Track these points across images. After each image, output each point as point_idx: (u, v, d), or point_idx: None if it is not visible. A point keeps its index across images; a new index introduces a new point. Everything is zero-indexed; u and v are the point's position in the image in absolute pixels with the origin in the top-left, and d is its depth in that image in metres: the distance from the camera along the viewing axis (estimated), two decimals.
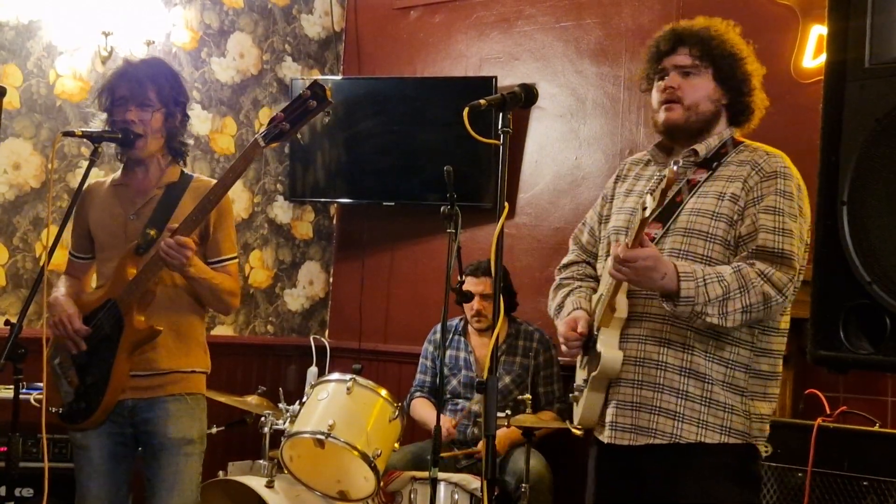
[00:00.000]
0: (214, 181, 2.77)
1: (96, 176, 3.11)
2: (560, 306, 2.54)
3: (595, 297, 2.46)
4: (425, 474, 3.21)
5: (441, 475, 3.20)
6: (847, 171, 1.45)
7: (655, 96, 2.45)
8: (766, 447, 2.37)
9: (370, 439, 3.26)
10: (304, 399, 3.51)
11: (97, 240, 2.90)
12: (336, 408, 3.33)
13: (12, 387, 2.62)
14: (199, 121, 4.71)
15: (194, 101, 4.65)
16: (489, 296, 3.99)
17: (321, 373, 4.74)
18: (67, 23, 4.18)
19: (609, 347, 2.30)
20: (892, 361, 1.43)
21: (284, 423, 3.51)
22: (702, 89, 2.38)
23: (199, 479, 2.85)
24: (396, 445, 3.41)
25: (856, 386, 3.59)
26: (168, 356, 2.79)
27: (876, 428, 3.28)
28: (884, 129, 1.42)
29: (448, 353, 4.20)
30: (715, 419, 2.26)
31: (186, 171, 2.95)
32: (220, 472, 3.77)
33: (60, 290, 2.89)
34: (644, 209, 2.11)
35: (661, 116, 2.42)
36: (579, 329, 2.39)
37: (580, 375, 2.47)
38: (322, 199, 5.28)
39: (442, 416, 3.15)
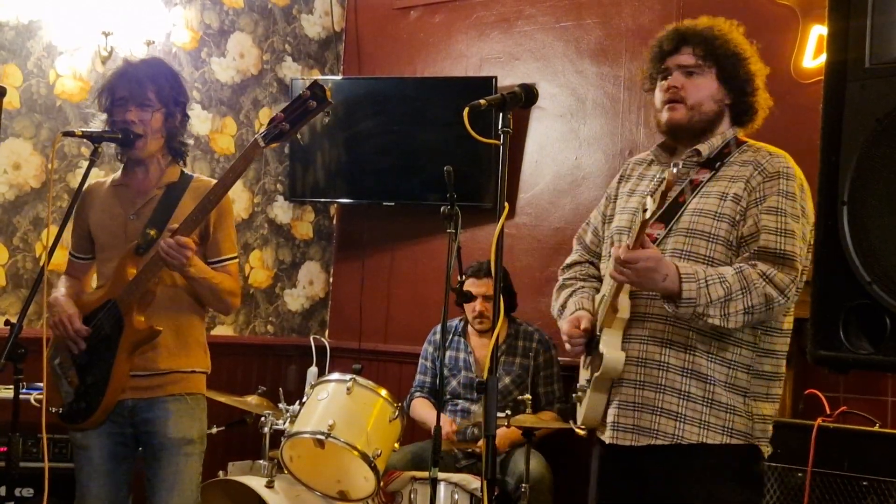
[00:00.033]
0: (214, 181, 2.77)
1: (96, 176, 3.11)
2: (563, 307, 2.54)
3: (598, 298, 2.46)
4: (425, 474, 3.21)
5: (441, 475, 3.20)
6: (847, 171, 1.45)
7: (659, 96, 2.44)
8: (770, 448, 2.36)
9: (370, 439, 3.26)
10: (304, 399, 3.51)
11: (97, 240, 2.90)
12: (336, 408, 3.33)
13: (12, 387, 2.63)
14: (199, 121, 4.71)
15: (194, 101, 4.65)
16: (491, 297, 3.99)
17: (321, 373, 4.74)
18: (67, 23, 4.18)
19: (611, 348, 2.30)
20: (892, 361, 1.42)
21: (284, 423, 3.51)
22: (705, 89, 2.37)
23: (199, 479, 2.85)
24: (396, 445, 3.41)
25: (856, 386, 3.59)
26: (168, 356, 2.79)
27: (876, 428, 3.28)
28: (884, 129, 1.42)
29: (448, 353, 4.20)
30: (717, 420, 2.26)
31: (186, 171, 2.95)
32: (220, 472, 3.77)
33: (60, 290, 2.89)
34: (644, 211, 2.11)
35: (665, 116, 2.41)
36: (582, 326, 2.39)
37: (583, 376, 2.47)
38: (322, 199, 5.28)
39: (442, 416, 3.15)
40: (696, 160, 2.39)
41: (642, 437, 2.29)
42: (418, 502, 3.45)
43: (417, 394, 4.28)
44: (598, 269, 2.59)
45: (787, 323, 2.33)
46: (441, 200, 3.27)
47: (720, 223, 2.29)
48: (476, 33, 4.98)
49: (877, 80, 1.45)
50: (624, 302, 2.30)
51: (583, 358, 2.48)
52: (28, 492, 3.37)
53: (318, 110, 2.60)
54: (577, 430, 2.50)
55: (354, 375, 3.45)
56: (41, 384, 2.84)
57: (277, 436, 3.55)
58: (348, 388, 3.37)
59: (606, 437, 2.36)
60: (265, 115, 4.95)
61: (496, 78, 4.64)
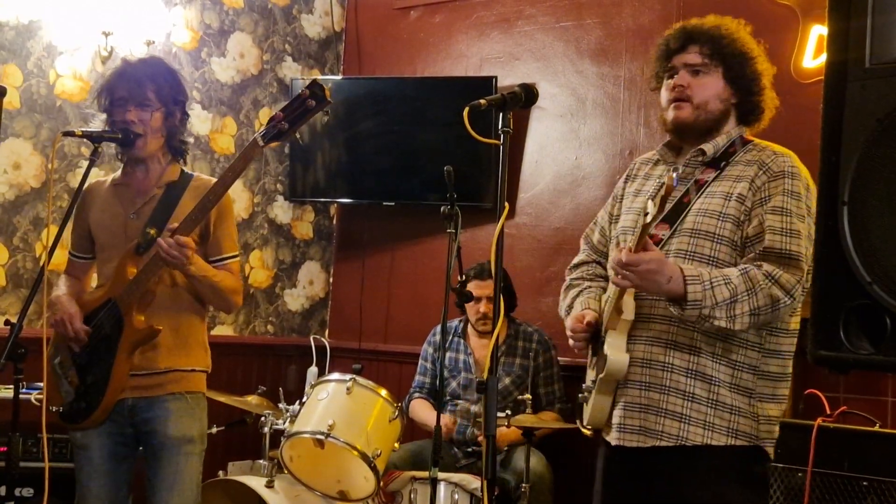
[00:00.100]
0: (214, 180, 2.77)
1: (96, 176, 3.12)
2: (570, 307, 2.53)
3: (605, 297, 2.46)
4: (425, 474, 3.21)
5: (441, 475, 3.20)
6: (848, 171, 1.45)
7: (664, 94, 2.43)
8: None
9: (370, 439, 3.26)
10: (304, 399, 3.51)
11: (97, 239, 2.90)
12: (336, 408, 3.33)
13: (12, 386, 2.63)
14: (199, 121, 4.71)
15: (194, 101, 4.65)
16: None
17: (321, 373, 4.74)
18: (67, 23, 4.18)
19: (615, 350, 2.30)
20: (892, 362, 1.42)
21: (284, 423, 3.51)
22: (711, 88, 2.36)
23: (199, 478, 2.85)
24: (396, 445, 3.41)
25: (856, 386, 3.59)
26: (168, 355, 2.79)
27: (876, 428, 3.28)
28: (885, 129, 1.42)
29: (447, 354, 4.20)
30: (721, 421, 2.25)
31: (186, 169, 2.95)
32: (220, 472, 3.77)
33: (61, 289, 2.90)
34: (646, 214, 2.11)
35: (670, 115, 2.40)
36: (586, 321, 2.39)
37: (589, 376, 2.47)
38: (322, 199, 5.28)
39: (441, 415, 3.15)
40: (701, 160, 2.38)
41: (648, 438, 2.28)
42: (418, 502, 3.45)
43: (416, 394, 4.28)
44: (605, 268, 2.58)
45: (794, 323, 2.32)
46: (441, 200, 3.27)
47: (724, 223, 2.28)
48: (476, 33, 4.98)
49: (877, 80, 1.45)
50: (628, 303, 2.29)
51: (589, 358, 2.48)
52: (28, 492, 3.37)
53: (318, 109, 2.60)
54: (584, 430, 2.49)
55: (354, 375, 3.46)
56: (41, 384, 2.84)
57: (277, 436, 3.55)
58: (348, 388, 3.37)
59: (612, 438, 2.35)
60: (265, 115, 4.95)
61: (496, 78, 4.64)
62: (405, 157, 4.90)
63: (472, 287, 4.03)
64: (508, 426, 3.59)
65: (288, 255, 5.21)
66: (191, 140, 3.00)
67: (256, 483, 3.41)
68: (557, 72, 4.72)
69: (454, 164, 3.29)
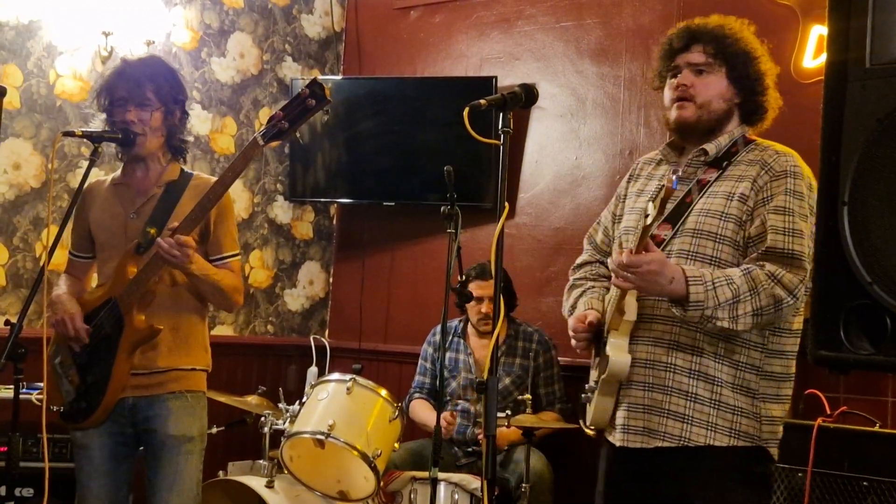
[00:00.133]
0: (215, 178, 2.77)
1: (96, 175, 3.11)
2: (573, 307, 2.53)
3: (608, 297, 2.45)
4: (425, 474, 3.21)
5: (441, 475, 3.20)
6: (848, 171, 1.45)
7: (668, 94, 2.42)
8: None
9: (370, 439, 3.26)
10: (304, 399, 3.51)
11: (97, 239, 2.90)
12: (336, 408, 3.33)
13: (12, 387, 2.63)
14: (200, 121, 4.71)
15: (194, 101, 4.65)
16: None
17: (321, 373, 4.74)
18: (67, 23, 4.18)
19: (617, 350, 2.30)
20: (892, 362, 1.42)
21: (284, 423, 3.51)
22: (715, 88, 2.36)
23: (199, 477, 2.85)
24: (396, 445, 3.41)
25: (856, 386, 3.59)
26: (168, 354, 2.79)
27: (876, 428, 3.28)
28: (885, 129, 1.42)
29: (447, 355, 4.20)
30: (724, 421, 2.25)
31: (186, 169, 2.95)
32: (220, 472, 3.77)
33: (62, 288, 2.90)
34: (646, 216, 2.10)
35: (673, 114, 2.39)
36: (588, 321, 2.38)
37: (592, 376, 2.46)
38: (322, 199, 5.28)
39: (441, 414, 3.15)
40: (703, 160, 2.38)
41: (651, 439, 2.28)
42: (418, 502, 3.45)
43: (416, 395, 4.28)
44: (608, 268, 2.58)
45: (797, 323, 2.31)
46: (441, 200, 3.27)
47: (726, 223, 2.27)
48: (476, 33, 4.98)
49: (877, 80, 1.44)
50: (631, 304, 2.28)
51: (593, 358, 2.47)
52: (28, 492, 3.37)
53: (318, 108, 2.60)
54: (587, 431, 2.49)
55: (354, 375, 3.46)
56: (41, 384, 2.84)
57: (277, 436, 3.55)
58: (348, 388, 3.37)
59: (617, 439, 2.35)
60: (265, 115, 4.93)
61: (496, 78, 4.64)
62: (405, 157, 4.90)
63: (474, 287, 4.04)
64: (508, 426, 3.59)
65: (288, 255, 5.21)
66: (191, 139, 2.99)
67: (256, 483, 3.41)
68: (557, 72, 4.72)
69: (454, 164, 3.29)
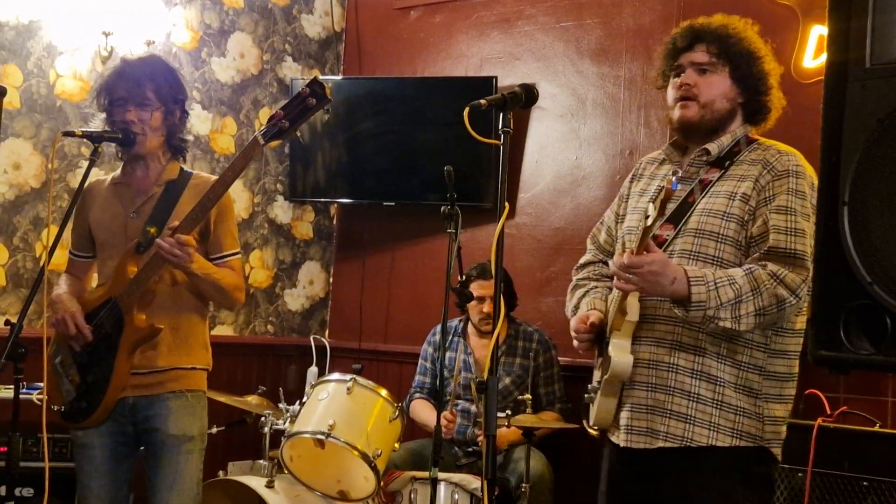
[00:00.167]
0: (214, 177, 2.77)
1: (96, 175, 3.12)
2: (576, 307, 2.53)
3: (611, 298, 2.45)
4: (425, 474, 3.21)
5: (441, 475, 3.20)
6: (848, 171, 1.45)
7: (671, 93, 2.42)
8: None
9: (370, 439, 3.26)
10: (304, 399, 3.51)
11: (97, 239, 2.90)
12: (336, 408, 3.33)
13: (12, 386, 2.63)
14: (200, 121, 4.71)
15: (194, 101, 4.65)
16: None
17: (321, 373, 4.74)
18: (67, 23, 4.18)
19: (619, 351, 2.29)
20: (892, 362, 1.42)
21: (284, 423, 3.51)
22: (718, 87, 2.36)
23: (199, 476, 2.85)
24: (396, 445, 3.41)
25: (856, 386, 3.59)
26: (168, 353, 2.79)
27: (876, 428, 3.28)
28: (885, 129, 1.42)
29: (447, 354, 4.20)
30: (726, 422, 2.24)
31: (186, 167, 2.95)
32: (221, 472, 3.77)
33: (62, 287, 2.90)
34: (647, 217, 2.10)
35: (676, 114, 2.39)
36: (590, 321, 2.38)
37: (595, 377, 2.46)
38: (322, 199, 5.28)
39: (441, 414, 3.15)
40: (706, 159, 2.38)
41: (654, 440, 2.28)
42: (418, 502, 3.45)
43: (417, 395, 4.27)
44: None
45: (800, 323, 2.30)
46: (441, 200, 3.27)
47: (728, 223, 2.27)
48: (476, 33, 4.98)
49: (878, 80, 1.44)
50: (633, 304, 2.28)
51: (596, 358, 2.47)
52: (28, 492, 3.37)
53: (318, 107, 2.60)
54: (590, 431, 2.49)
55: (354, 375, 3.46)
56: (41, 384, 2.84)
57: (277, 436, 3.55)
58: (348, 388, 3.38)
59: (620, 440, 2.35)
60: (265, 115, 4.93)
61: (496, 78, 4.64)
62: (405, 157, 4.90)
63: (475, 287, 4.04)
64: (508, 426, 3.59)
65: (288, 255, 5.21)
66: (190, 138, 2.99)
67: (256, 483, 3.41)
68: (557, 72, 4.72)
69: (454, 164, 3.29)
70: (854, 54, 1.48)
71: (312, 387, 3.55)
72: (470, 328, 4.23)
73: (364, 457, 3.22)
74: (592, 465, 2.54)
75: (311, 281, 5.32)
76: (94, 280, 3.03)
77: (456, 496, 3.42)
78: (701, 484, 2.26)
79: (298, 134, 2.67)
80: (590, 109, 4.62)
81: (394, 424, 3.38)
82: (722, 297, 2.14)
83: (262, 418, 3.66)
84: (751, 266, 2.20)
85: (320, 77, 5.13)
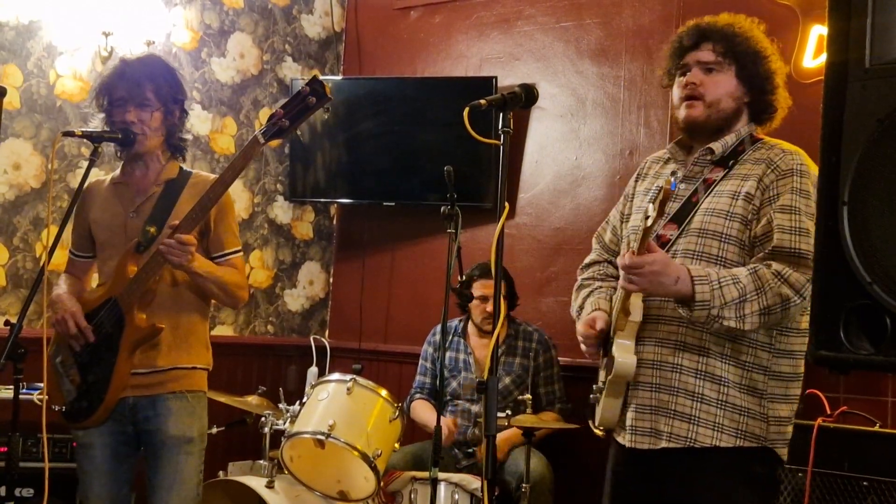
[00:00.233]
0: (214, 177, 2.77)
1: (96, 175, 3.12)
2: (581, 308, 2.53)
3: (615, 297, 2.45)
4: (425, 474, 3.21)
5: (441, 475, 3.20)
6: (848, 171, 1.45)
7: (676, 92, 2.41)
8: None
9: (370, 439, 3.26)
10: (304, 399, 3.51)
11: (97, 238, 2.90)
12: (336, 408, 3.33)
13: (12, 387, 2.63)
14: (200, 121, 4.71)
15: (194, 101, 4.65)
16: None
17: (321, 373, 4.74)
18: (67, 23, 4.18)
19: (623, 351, 2.29)
20: (892, 362, 1.42)
21: (284, 423, 3.51)
22: (724, 86, 2.35)
23: (200, 477, 2.84)
24: (396, 446, 3.41)
25: (856, 386, 3.59)
26: (168, 353, 2.79)
27: (876, 428, 3.28)
28: (885, 129, 1.41)
29: (447, 354, 4.20)
30: (730, 422, 2.24)
31: (185, 167, 2.95)
32: (221, 473, 3.77)
33: (62, 287, 2.89)
34: (647, 218, 2.10)
35: (682, 113, 2.38)
36: (598, 327, 2.38)
37: (600, 377, 2.46)
38: (322, 199, 5.28)
39: (442, 417, 3.15)
40: (710, 158, 2.37)
41: (659, 440, 2.28)
42: (418, 502, 3.45)
43: (417, 395, 4.27)
44: (616, 267, 2.57)
45: (805, 322, 2.27)
46: (441, 200, 3.28)
47: (732, 223, 2.26)
48: (476, 33, 4.98)
49: (878, 80, 1.44)
50: (636, 305, 2.28)
51: (601, 358, 2.47)
52: (28, 492, 3.37)
53: (318, 106, 2.59)
54: (596, 431, 2.48)
55: (354, 375, 3.46)
56: (41, 384, 2.84)
57: (278, 436, 3.55)
58: (348, 389, 3.37)
59: (625, 440, 2.34)
60: (265, 116, 4.92)
61: (496, 78, 4.64)
62: (405, 157, 4.90)
63: (478, 286, 4.04)
64: (508, 426, 3.59)
65: (288, 255, 5.22)
66: (189, 138, 2.99)
67: (256, 483, 3.41)
68: (557, 72, 4.72)
69: (454, 164, 3.29)
70: (854, 54, 1.48)
71: (312, 387, 3.55)
72: (470, 328, 4.23)
73: (364, 457, 3.22)
74: (592, 465, 2.54)
75: (311, 281, 5.32)
76: (94, 280, 3.03)
77: (456, 496, 3.42)
78: (703, 485, 2.25)
79: (299, 133, 2.66)
80: (590, 109, 4.62)
81: (394, 425, 3.38)
82: (726, 296, 2.14)
83: (262, 418, 3.66)
84: (755, 265, 2.19)
85: (320, 77, 5.17)
